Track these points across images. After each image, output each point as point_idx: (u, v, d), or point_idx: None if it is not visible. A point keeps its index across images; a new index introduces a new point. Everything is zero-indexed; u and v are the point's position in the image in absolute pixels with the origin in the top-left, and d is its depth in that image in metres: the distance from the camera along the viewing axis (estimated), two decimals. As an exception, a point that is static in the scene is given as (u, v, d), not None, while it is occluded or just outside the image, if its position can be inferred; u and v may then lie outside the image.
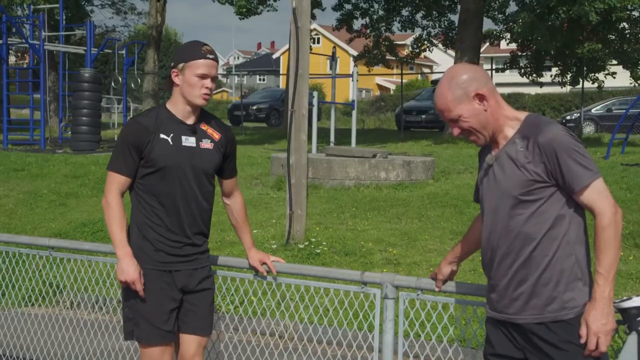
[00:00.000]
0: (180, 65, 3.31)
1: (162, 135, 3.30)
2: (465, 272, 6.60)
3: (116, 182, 3.32)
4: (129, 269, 3.27)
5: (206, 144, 3.39)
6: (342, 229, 8.67)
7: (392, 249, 7.81)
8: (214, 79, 3.35)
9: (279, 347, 4.17)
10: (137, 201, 3.36)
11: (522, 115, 2.72)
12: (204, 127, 3.42)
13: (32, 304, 5.92)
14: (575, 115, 26.11)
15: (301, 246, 7.74)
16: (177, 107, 3.37)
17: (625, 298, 2.65)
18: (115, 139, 3.73)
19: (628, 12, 19.00)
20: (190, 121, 3.38)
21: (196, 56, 3.29)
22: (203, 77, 3.30)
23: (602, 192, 2.56)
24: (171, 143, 3.31)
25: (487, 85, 2.69)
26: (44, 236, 7.81)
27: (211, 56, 3.31)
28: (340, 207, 9.92)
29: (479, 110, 2.68)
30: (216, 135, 3.44)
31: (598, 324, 2.52)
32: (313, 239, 8.01)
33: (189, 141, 3.35)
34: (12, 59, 36.16)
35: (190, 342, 3.45)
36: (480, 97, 2.67)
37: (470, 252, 3.08)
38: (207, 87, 3.32)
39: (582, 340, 2.55)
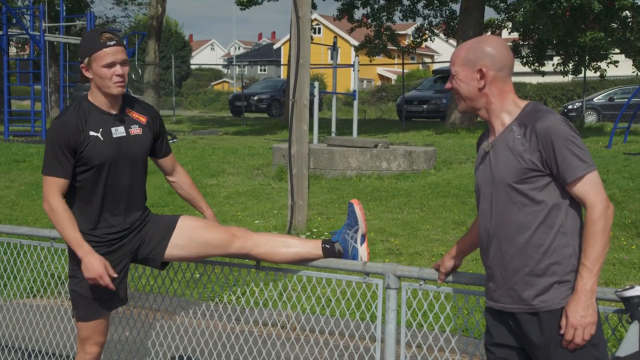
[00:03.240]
0: (86, 60, 3.24)
1: (91, 133, 3.24)
2: (468, 262, 6.59)
3: (55, 185, 3.24)
4: (93, 265, 3.22)
5: (135, 130, 3.35)
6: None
7: (394, 239, 7.80)
8: (124, 63, 3.25)
9: (281, 338, 4.16)
10: (72, 194, 3.32)
11: (523, 103, 2.69)
12: (129, 112, 3.37)
13: (34, 295, 5.92)
14: (577, 104, 26.02)
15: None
16: (97, 99, 3.32)
17: (627, 287, 2.64)
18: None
19: (631, 0, 18.88)
20: (115, 110, 3.33)
21: (97, 47, 3.20)
22: (111, 65, 3.21)
23: (595, 185, 2.53)
24: (102, 139, 3.26)
25: (497, 71, 2.66)
26: (45, 227, 7.80)
27: (112, 42, 3.21)
28: (341, 197, 9.92)
29: (473, 83, 2.68)
30: (142, 119, 3.40)
31: (577, 316, 2.51)
32: (315, 229, 8.01)
33: (118, 132, 3.30)
34: (12, 50, 36.06)
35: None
36: (482, 75, 2.66)
37: (475, 247, 3.04)
38: (118, 75, 3.23)
39: (561, 331, 2.55)
